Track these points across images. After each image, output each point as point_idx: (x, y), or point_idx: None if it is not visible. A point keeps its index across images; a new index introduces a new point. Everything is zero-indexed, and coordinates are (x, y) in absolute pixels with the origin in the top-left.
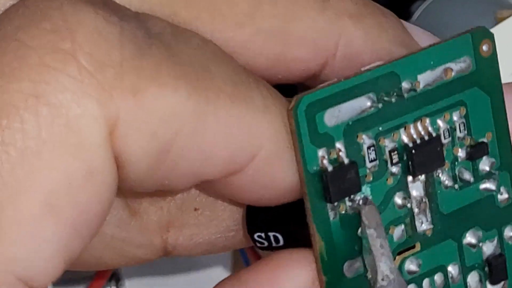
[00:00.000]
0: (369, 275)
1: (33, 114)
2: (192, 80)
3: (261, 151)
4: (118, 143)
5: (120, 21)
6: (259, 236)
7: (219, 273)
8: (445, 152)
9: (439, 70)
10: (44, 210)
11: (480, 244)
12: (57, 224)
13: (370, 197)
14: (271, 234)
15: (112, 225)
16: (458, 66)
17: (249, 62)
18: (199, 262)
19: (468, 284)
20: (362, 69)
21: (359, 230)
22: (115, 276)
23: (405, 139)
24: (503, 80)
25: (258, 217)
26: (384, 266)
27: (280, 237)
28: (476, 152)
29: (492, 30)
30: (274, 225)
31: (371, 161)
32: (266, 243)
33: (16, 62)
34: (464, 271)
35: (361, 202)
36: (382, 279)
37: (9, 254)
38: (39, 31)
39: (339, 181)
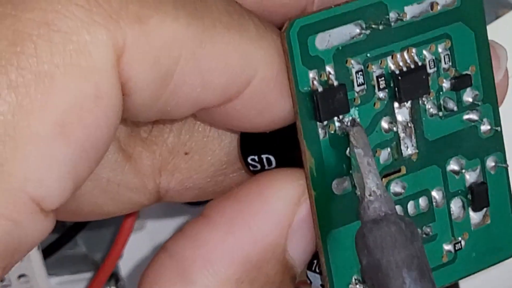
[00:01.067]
0: (358, 192)
1: (45, 40)
2: (191, 9)
3: (256, 76)
4: (125, 69)
5: None
6: (253, 159)
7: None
8: (430, 82)
9: (425, 3)
10: (55, 130)
11: (463, 171)
12: (68, 145)
13: (358, 119)
14: (264, 156)
15: (108, 168)
16: (443, 0)
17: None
18: None
19: (451, 209)
20: None
21: (347, 150)
22: (114, 276)
23: (392, 66)
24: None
25: (251, 140)
26: (371, 183)
27: (272, 158)
28: (460, 83)
29: (490, 26)
30: (267, 147)
31: (359, 85)
32: (259, 166)
33: None
34: (448, 197)
35: (349, 123)
36: (370, 195)
37: (22, 172)
38: None
39: (329, 101)
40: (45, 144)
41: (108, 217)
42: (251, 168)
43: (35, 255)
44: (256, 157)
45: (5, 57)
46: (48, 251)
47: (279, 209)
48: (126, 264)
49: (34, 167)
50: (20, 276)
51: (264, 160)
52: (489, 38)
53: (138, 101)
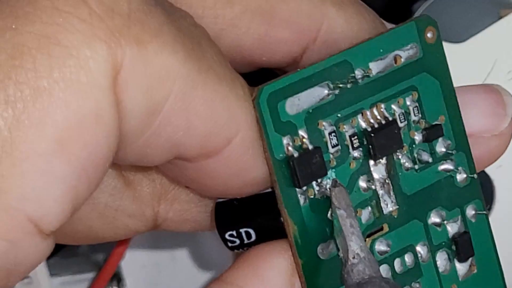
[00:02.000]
0: (341, 255)
1: (45, 54)
2: (189, 48)
3: (237, 136)
4: (119, 90)
5: None
6: (231, 235)
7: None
8: (402, 135)
9: (389, 57)
10: (54, 147)
11: (445, 223)
12: (67, 163)
13: (338, 180)
14: (242, 230)
15: (106, 193)
16: (406, 53)
17: (236, 40)
18: (201, 262)
19: (437, 262)
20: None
21: (329, 213)
22: (116, 276)
23: (363, 124)
24: (507, 74)
25: (227, 215)
26: (355, 245)
27: (252, 231)
28: (431, 134)
29: (493, 27)
30: (244, 220)
31: (333, 146)
32: (238, 241)
33: (28, 7)
34: (432, 250)
35: (329, 185)
36: (353, 257)
37: (19, 190)
38: None
39: (306, 166)
40: (44, 162)
41: (101, 242)
42: (229, 244)
43: None
44: (234, 232)
45: (4, 71)
46: None
47: (276, 284)
48: (128, 265)
49: (31, 185)
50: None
51: (243, 234)
52: (492, 39)
53: (124, 130)
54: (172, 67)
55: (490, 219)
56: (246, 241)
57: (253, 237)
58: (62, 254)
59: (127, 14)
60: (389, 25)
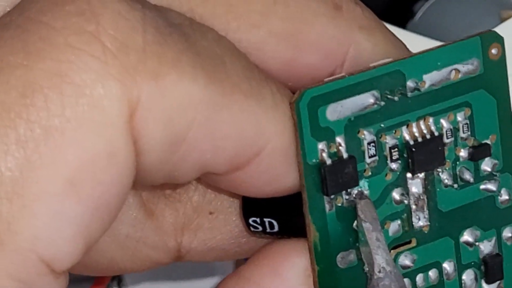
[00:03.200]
0: (366, 268)
1: (57, 92)
2: (210, 71)
3: (267, 147)
4: (137, 127)
5: (142, 8)
6: (254, 221)
7: (223, 275)
8: (446, 152)
9: (445, 70)
10: (67, 188)
11: (477, 243)
12: (80, 203)
13: (366, 192)
14: (266, 220)
15: (127, 224)
16: (465, 68)
17: (261, 65)
18: (202, 263)
19: (463, 281)
20: (370, 65)
21: (355, 223)
22: (117, 276)
23: (406, 136)
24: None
25: (255, 203)
26: (380, 259)
27: (275, 223)
28: (478, 153)
29: (494, 29)
30: (271, 212)
31: (370, 156)
32: (260, 228)
33: (41, 43)
34: (460, 269)
35: (356, 196)
36: (379, 271)
37: (32, 231)
38: (63, 13)
39: (337, 175)
40: (55, 202)
41: (124, 273)
42: (251, 228)
43: None
44: (258, 219)
45: (15, 109)
46: None
47: (293, 283)
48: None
49: (43, 226)
50: None
51: (267, 223)
52: None
53: (147, 163)
54: (193, 95)
55: None
56: (268, 230)
57: (276, 228)
58: None
59: (142, 48)
60: (389, 26)
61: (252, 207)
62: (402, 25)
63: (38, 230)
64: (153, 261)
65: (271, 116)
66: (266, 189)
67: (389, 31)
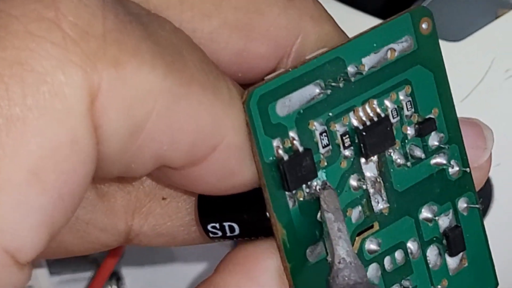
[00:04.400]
0: (329, 259)
1: (18, 81)
2: (168, 61)
3: (222, 142)
4: (97, 115)
5: None
6: (213, 227)
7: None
8: (395, 131)
9: (382, 51)
10: (30, 178)
11: (436, 218)
12: (43, 193)
13: (328, 182)
14: (226, 224)
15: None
16: (400, 46)
17: (214, 55)
18: (200, 261)
19: (427, 258)
20: (307, 57)
21: (319, 215)
22: (115, 275)
23: (355, 122)
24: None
25: (211, 208)
26: (341, 250)
27: (236, 226)
28: (424, 128)
29: (490, 26)
30: (230, 215)
31: (324, 146)
32: (220, 233)
33: (0, 31)
34: (423, 246)
35: (319, 187)
36: (339, 262)
37: None
38: (22, 0)
39: (296, 169)
40: (19, 192)
41: (71, 256)
42: (210, 235)
43: None
44: (217, 225)
45: None
46: None
47: (269, 286)
48: (127, 264)
49: (7, 217)
50: None
51: (227, 227)
52: (489, 37)
53: (106, 152)
54: (152, 85)
55: (489, 217)
56: (228, 234)
57: (237, 232)
58: None
59: (102, 35)
60: None
61: (209, 212)
62: None
63: (1, 221)
64: (102, 243)
65: (228, 110)
66: (220, 185)
67: (336, 23)
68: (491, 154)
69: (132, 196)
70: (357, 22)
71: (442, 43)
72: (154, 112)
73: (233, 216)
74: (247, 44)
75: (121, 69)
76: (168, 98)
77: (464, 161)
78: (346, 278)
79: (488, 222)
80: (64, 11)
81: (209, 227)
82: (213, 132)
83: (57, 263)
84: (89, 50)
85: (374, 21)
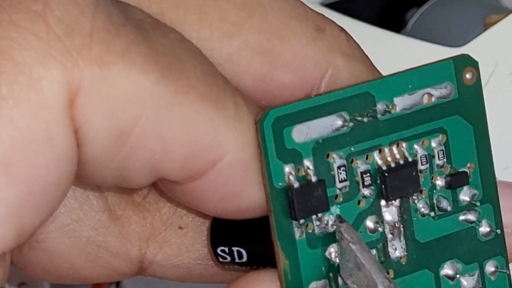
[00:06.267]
0: None
1: None
2: (163, 68)
3: (224, 158)
4: (78, 114)
5: None
6: (222, 251)
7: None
8: (422, 179)
9: (417, 94)
10: None
11: (459, 277)
12: (10, 185)
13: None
14: (235, 249)
15: (89, 227)
16: (438, 92)
17: (235, 79)
18: None
19: None
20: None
21: (327, 251)
22: None
23: (379, 161)
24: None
25: (222, 231)
26: (382, 277)
27: (244, 252)
28: (455, 181)
29: (493, 29)
30: (239, 240)
31: (341, 181)
32: (229, 258)
33: None
34: None
35: (332, 221)
36: None
37: None
38: None
39: (306, 199)
40: None
41: (84, 283)
42: (220, 259)
43: None
44: (226, 249)
45: None
46: None
47: None
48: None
49: None
50: (21, 284)
51: (235, 253)
52: (492, 41)
53: (90, 155)
54: (140, 88)
55: None
56: (237, 260)
57: (245, 258)
58: None
59: (89, 33)
60: (384, 31)
61: (220, 235)
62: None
63: None
64: (114, 270)
65: (231, 126)
66: (225, 205)
67: (370, 61)
68: None
69: (148, 222)
70: (352, 31)
71: (444, 49)
72: (142, 117)
73: (242, 241)
74: (271, 71)
75: (106, 69)
76: (158, 104)
77: (497, 223)
78: None
79: None
80: (52, 6)
81: (218, 250)
82: (211, 145)
83: None
84: (72, 46)
85: (369, 29)
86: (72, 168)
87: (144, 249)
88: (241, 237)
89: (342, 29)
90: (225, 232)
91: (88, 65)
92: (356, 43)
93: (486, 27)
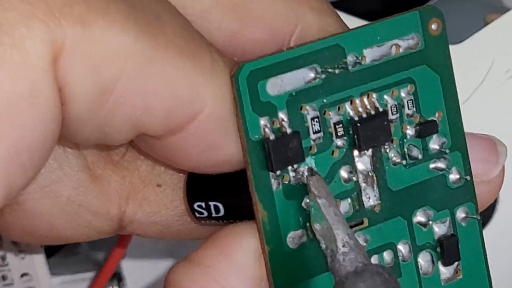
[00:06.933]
0: (323, 245)
1: None
2: (143, 24)
3: (202, 112)
4: (61, 73)
5: None
6: (199, 206)
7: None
8: (393, 129)
9: (386, 45)
10: None
11: (431, 223)
12: None
13: (315, 168)
14: (211, 203)
15: (69, 186)
16: (406, 43)
17: (206, 35)
18: None
19: (419, 263)
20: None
21: (303, 201)
22: (117, 275)
23: (350, 112)
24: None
25: (198, 186)
26: (342, 233)
27: (221, 206)
28: (425, 129)
29: (490, 27)
30: (215, 194)
31: (315, 132)
32: (205, 213)
33: None
34: (415, 250)
35: (306, 172)
36: (343, 246)
37: None
38: None
39: (282, 150)
40: None
41: (66, 243)
42: (197, 214)
43: (38, 254)
44: (203, 204)
45: None
46: (51, 250)
47: (244, 265)
48: (128, 264)
49: None
50: (23, 275)
51: (212, 207)
52: (489, 38)
53: (74, 112)
54: (122, 45)
55: (493, 220)
56: (214, 214)
57: (222, 212)
58: (62, 253)
59: None
60: None
61: (196, 190)
62: None
63: None
64: (94, 228)
65: (209, 80)
66: (203, 159)
67: (339, 17)
68: (503, 169)
69: (127, 181)
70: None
71: None
72: (124, 73)
73: (218, 195)
74: (242, 27)
75: (87, 27)
76: (139, 60)
77: (466, 170)
78: (354, 261)
79: (491, 229)
80: None
81: (195, 206)
82: (191, 100)
83: (58, 264)
84: (54, 6)
85: None
86: (56, 126)
87: (123, 207)
88: (217, 191)
89: None
90: (201, 187)
91: (71, 24)
92: None
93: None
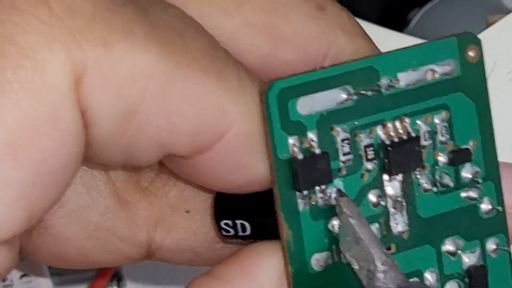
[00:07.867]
0: (357, 266)
1: None
2: (165, 43)
3: (230, 131)
4: (84, 95)
5: None
6: (226, 224)
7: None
8: (425, 155)
9: (421, 70)
10: (6, 151)
11: (460, 253)
12: (19, 168)
13: (343, 190)
14: (238, 222)
15: (98, 212)
16: (442, 69)
17: (237, 57)
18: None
19: None
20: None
21: (330, 223)
22: (116, 276)
23: (382, 136)
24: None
25: (226, 204)
26: (379, 252)
27: (247, 225)
28: (458, 158)
29: (492, 28)
30: (243, 213)
31: (344, 154)
32: (232, 231)
33: None
34: (442, 279)
35: (334, 194)
36: (382, 264)
37: None
38: None
39: (309, 170)
40: None
41: (95, 267)
42: (223, 232)
43: None
44: (230, 222)
45: None
46: None
47: (265, 284)
48: (128, 265)
49: None
50: (23, 276)
51: (239, 225)
52: (491, 40)
53: (98, 135)
54: (144, 66)
55: None
56: (240, 233)
57: (248, 231)
58: None
59: (91, 14)
60: (386, 30)
61: (224, 208)
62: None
63: None
64: (123, 254)
65: (235, 98)
66: (231, 179)
67: (372, 40)
68: None
69: (155, 207)
70: None
71: None
72: (147, 94)
73: (246, 214)
74: (273, 49)
75: (110, 49)
76: (162, 79)
77: (499, 201)
78: (394, 279)
79: None
80: None
81: (222, 223)
82: (217, 118)
83: None
84: (74, 28)
85: (371, 28)
86: (79, 149)
87: (152, 233)
88: (244, 210)
89: (343, 8)
90: (228, 205)
91: (92, 46)
92: (356, 21)
93: (488, 27)
